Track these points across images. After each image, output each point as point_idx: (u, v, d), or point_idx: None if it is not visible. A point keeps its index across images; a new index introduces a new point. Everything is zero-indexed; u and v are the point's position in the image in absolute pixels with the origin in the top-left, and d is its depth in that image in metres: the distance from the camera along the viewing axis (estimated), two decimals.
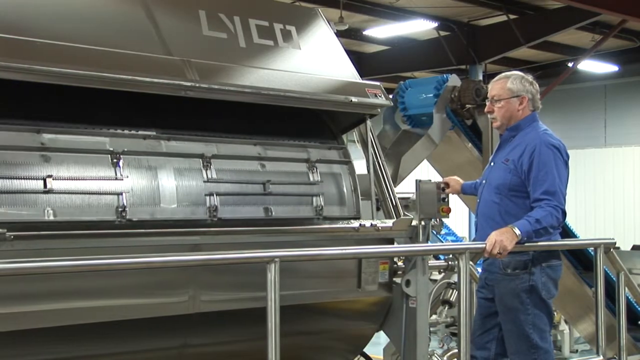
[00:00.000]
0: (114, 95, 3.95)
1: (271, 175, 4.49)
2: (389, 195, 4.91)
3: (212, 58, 4.39)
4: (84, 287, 3.71)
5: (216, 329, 4.24)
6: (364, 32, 16.61)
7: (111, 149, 3.98)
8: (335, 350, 5.05)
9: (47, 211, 3.70)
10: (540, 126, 4.74)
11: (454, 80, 6.77)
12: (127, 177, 3.97)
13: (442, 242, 10.58)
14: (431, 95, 6.73)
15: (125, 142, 4.06)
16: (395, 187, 5.11)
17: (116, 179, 3.94)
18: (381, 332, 5.09)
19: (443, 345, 6.74)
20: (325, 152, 4.87)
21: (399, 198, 4.97)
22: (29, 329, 3.58)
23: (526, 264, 4.59)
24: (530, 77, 4.80)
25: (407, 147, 6.64)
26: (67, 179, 3.81)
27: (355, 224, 4.60)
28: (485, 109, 4.89)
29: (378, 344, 5.75)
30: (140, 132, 4.16)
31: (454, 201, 5.20)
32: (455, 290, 5.90)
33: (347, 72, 5.01)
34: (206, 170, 4.25)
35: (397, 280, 4.79)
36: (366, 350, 5.25)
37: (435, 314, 6.03)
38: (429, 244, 4.96)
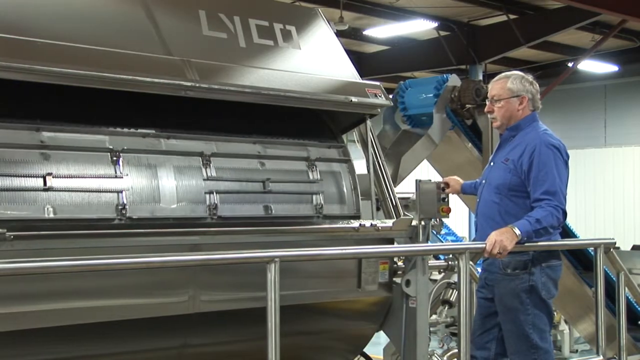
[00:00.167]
0: (113, 94, 3.95)
1: (271, 173, 4.50)
2: (389, 195, 4.91)
3: (212, 58, 4.40)
4: (83, 287, 3.71)
5: (216, 329, 4.24)
6: (364, 32, 16.61)
7: (111, 146, 3.99)
8: (335, 350, 5.05)
9: (47, 209, 3.71)
10: (540, 126, 4.74)
11: (454, 80, 6.77)
12: (127, 175, 3.98)
13: (442, 242, 10.58)
14: (431, 95, 6.73)
15: (125, 140, 4.07)
16: (395, 187, 5.11)
17: (116, 177, 3.94)
18: (381, 332, 5.09)
19: (443, 345, 6.74)
20: (325, 150, 4.87)
21: (399, 198, 4.97)
22: (29, 329, 3.58)
23: (526, 264, 4.59)
24: (530, 77, 4.80)
25: (407, 147, 6.63)
26: (67, 177, 3.81)
27: (355, 223, 4.60)
28: (485, 109, 4.89)
29: (378, 344, 5.75)
30: (139, 131, 4.17)
31: (454, 201, 5.20)
32: (455, 290, 5.90)
33: (347, 72, 5.01)
34: (206, 168, 4.25)
35: (397, 280, 4.79)
36: (366, 350, 5.25)
37: (435, 314, 6.03)
38: (429, 244, 4.96)
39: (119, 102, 4.10)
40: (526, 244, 4.52)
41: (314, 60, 4.90)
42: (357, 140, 5.05)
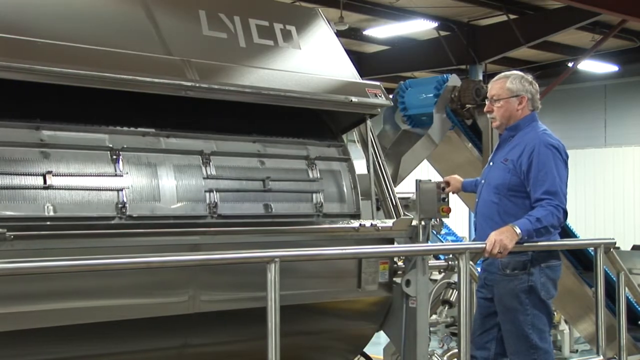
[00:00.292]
0: (113, 94, 3.96)
1: (271, 172, 4.51)
2: (389, 195, 4.91)
3: (212, 58, 4.40)
4: (83, 287, 3.71)
5: (216, 329, 4.24)
6: (364, 32, 16.61)
7: (110, 145, 4.00)
8: (335, 350, 5.05)
9: (47, 207, 3.71)
10: (540, 126, 4.73)
11: (454, 80, 6.77)
12: (127, 173, 3.99)
13: (442, 242, 10.58)
14: (431, 95, 6.73)
15: (125, 139, 4.08)
16: (395, 187, 5.11)
17: (116, 175, 3.95)
18: (381, 332, 5.09)
19: (443, 345, 6.74)
20: (325, 149, 4.88)
21: (399, 198, 4.96)
22: (29, 329, 3.58)
23: (525, 265, 4.59)
24: (529, 77, 4.80)
25: (407, 147, 6.63)
26: (67, 175, 3.82)
27: (355, 223, 4.60)
28: (485, 109, 4.89)
29: (378, 344, 5.75)
30: (139, 129, 4.18)
31: (454, 201, 5.20)
32: (455, 290, 5.90)
33: (347, 72, 5.02)
34: (205, 167, 4.26)
35: (397, 280, 4.79)
36: (366, 350, 5.25)
37: (435, 314, 6.03)
38: (429, 244, 4.96)
39: (118, 101, 4.10)
40: (526, 244, 4.52)
41: (314, 60, 4.90)
42: (357, 140, 5.05)
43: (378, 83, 5.04)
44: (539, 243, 4.59)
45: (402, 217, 4.82)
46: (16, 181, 3.67)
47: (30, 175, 3.71)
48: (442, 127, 6.76)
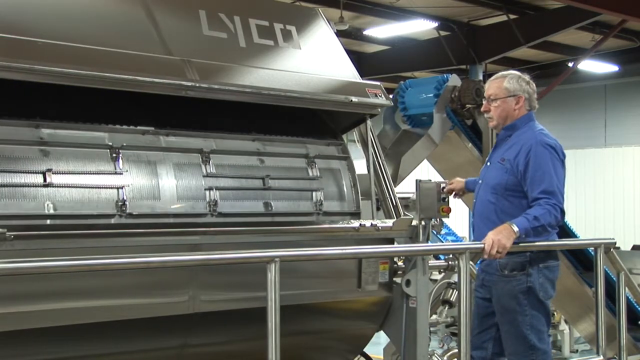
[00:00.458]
0: (113, 93, 3.96)
1: (270, 170, 4.52)
2: (389, 195, 4.91)
3: (212, 58, 4.40)
4: (83, 287, 3.71)
5: (216, 329, 4.24)
6: (364, 32, 16.61)
7: (110, 143, 4.01)
8: (335, 350, 5.05)
9: (47, 205, 3.72)
10: (536, 126, 4.73)
11: (454, 80, 6.77)
12: (127, 171, 3.99)
13: (442, 242, 10.58)
14: (431, 95, 6.73)
15: (124, 137, 4.09)
16: (395, 187, 5.11)
17: (115, 173, 3.95)
18: (381, 332, 5.09)
19: (443, 345, 6.74)
20: (324, 148, 4.88)
21: (399, 198, 4.97)
22: (29, 329, 3.58)
23: (524, 265, 4.59)
24: (527, 77, 4.80)
25: (407, 147, 6.63)
26: (67, 173, 3.83)
27: (355, 223, 4.60)
28: (482, 108, 4.89)
29: (378, 344, 5.75)
30: (139, 128, 4.19)
31: (454, 201, 5.19)
32: (455, 290, 5.90)
33: (347, 72, 5.02)
34: (205, 165, 4.27)
35: (397, 280, 4.79)
36: (366, 350, 5.25)
37: (436, 314, 6.03)
38: (429, 244, 4.96)
39: (118, 100, 4.10)
40: (526, 244, 4.52)
41: (314, 60, 4.90)
42: (357, 140, 5.05)
43: (378, 83, 5.04)
44: (539, 243, 4.59)
45: (402, 217, 4.82)
46: (16, 179, 3.68)
47: (30, 173, 3.72)
48: (442, 127, 6.76)
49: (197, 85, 4.15)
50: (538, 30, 15.62)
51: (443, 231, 11.40)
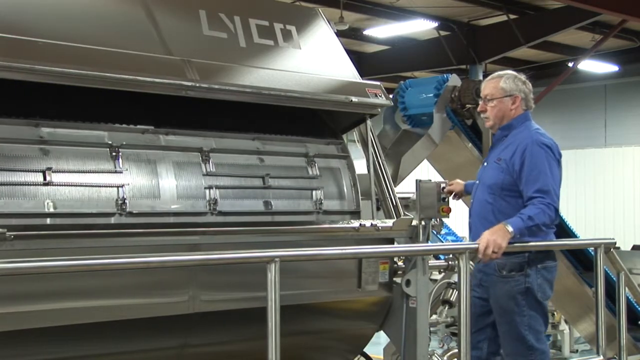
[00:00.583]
0: (113, 93, 3.96)
1: (270, 169, 4.52)
2: (389, 195, 4.91)
3: (212, 58, 4.40)
4: (83, 287, 3.71)
5: (216, 329, 4.24)
6: (364, 32, 16.61)
7: (110, 142, 4.01)
8: (335, 350, 5.05)
9: (47, 203, 3.72)
10: (533, 125, 4.74)
11: (454, 80, 6.76)
12: (127, 170, 4.00)
13: (442, 242, 10.58)
14: (431, 95, 6.72)
15: (124, 136, 4.10)
16: (395, 187, 5.11)
17: (115, 171, 3.96)
18: (381, 332, 5.09)
19: (443, 345, 6.74)
20: (324, 147, 4.88)
21: (399, 198, 4.97)
22: (29, 329, 3.58)
23: (522, 266, 4.59)
24: (523, 77, 4.80)
25: (407, 147, 6.63)
26: (67, 172, 3.83)
27: (355, 223, 4.60)
28: (478, 108, 4.90)
29: (378, 344, 5.75)
30: (138, 127, 4.19)
31: (454, 201, 5.20)
32: (455, 290, 5.90)
33: (348, 71, 5.02)
34: (205, 163, 4.27)
35: (397, 280, 4.79)
36: (366, 350, 5.25)
37: (436, 313, 6.03)
38: (429, 244, 4.96)
39: (117, 100, 4.10)
40: (526, 244, 4.52)
41: (314, 60, 4.90)
42: (357, 140, 5.05)
43: (378, 83, 5.04)
44: (539, 243, 4.59)
45: (402, 217, 4.82)
46: (16, 178, 3.68)
47: (30, 171, 3.73)
48: (442, 127, 6.75)
49: (197, 85, 4.15)
50: (538, 30, 15.63)
51: (443, 231, 11.39)
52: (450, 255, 5.17)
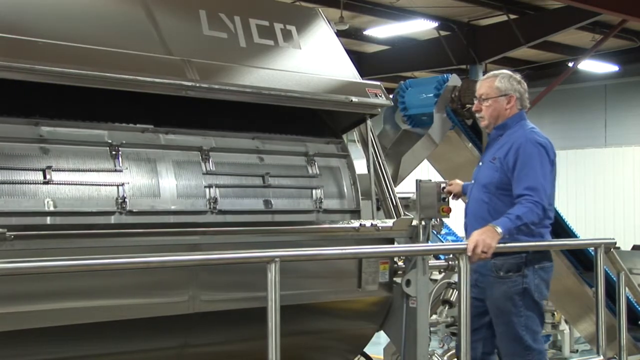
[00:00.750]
0: (112, 93, 3.96)
1: (270, 168, 4.53)
2: (389, 195, 4.91)
3: (212, 58, 4.40)
4: (83, 287, 3.71)
5: (216, 329, 4.24)
6: (364, 32, 16.61)
7: (110, 141, 4.01)
8: (335, 350, 5.05)
9: (47, 202, 3.72)
10: (527, 124, 4.74)
11: (454, 80, 6.76)
12: (127, 169, 4.00)
13: (442, 242, 10.58)
14: (431, 95, 6.72)
15: (124, 135, 4.10)
16: (395, 187, 5.11)
17: (115, 170, 3.96)
18: (381, 332, 5.09)
19: (443, 345, 6.75)
20: (323, 146, 4.89)
21: (399, 198, 4.97)
22: (29, 329, 3.58)
23: (519, 267, 4.59)
24: (518, 76, 4.80)
25: (407, 147, 6.63)
26: (67, 171, 3.84)
27: (355, 223, 4.60)
28: (473, 108, 4.90)
29: (378, 344, 5.75)
30: (138, 125, 4.19)
31: (455, 201, 5.20)
32: (455, 290, 5.91)
33: (348, 71, 5.02)
34: (205, 162, 4.28)
35: (398, 280, 4.79)
36: (366, 350, 5.25)
37: (436, 313, 6.04)
38: (429, 243, 4.96)
39: (117, 99, 4.10)
40: (525, 244, 4.52)
41: (314, 60, 4.90)
42: (358, 140, 5.05)
43: (378, 83, 5.04)
44: (538, 243, 4.59)
45: (402, 217, 4.82)
46: (16, 176, 3.69)
47: (31, 170, 3.73)
48: (443, 127, 6.75)
49: (197, 85, 4.15)
50: (538, 30, 15.63)
51: (443, 231, 11.38)
52: (450, 255, 5.17)
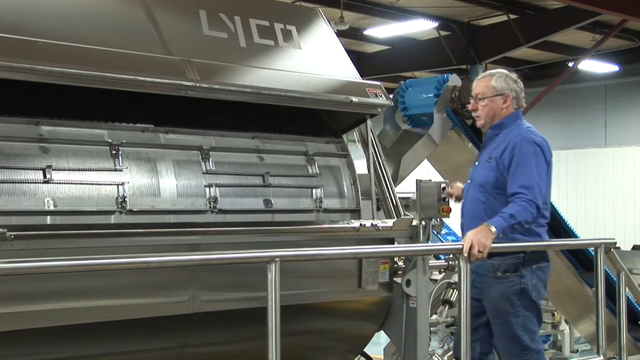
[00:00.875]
0: (112, 93, 3.96)
1: (270, 167, 4.54)
2: (390, 195, 4.91)
3: (212, 58, 4.40)
4: (83, 287, 3.71)
5: (216, 329, 4.24)
6: (364, 32, 16.60)
7: (110, 140, 4.02)
8: (335, 350, 5.05)
9: (47, 202, 3.72)
10: (524, 124, 4.74)
11: (454, 80, 6.76)
12: (127, 168, 4.00)
13: (443, 242, 10.58)
14: (431, 95, 6.72)
15: (124, 135, 4.11)
16: (395, 187, 5.11)
17: (115, 170, 3.96)
18: (381, 332, 5.09)
19: (443, 345, 6.75)
20: (323, 145, 4.89)
21: (399, 198, 4.97)
22: (29, 329, 3.58)
23: (517, 267, 4.59)
24: (514, 75, 4.81)
25: (408, 147, 6.63)
26: (67, 170, 3.84)
27: (355, 223, 4.60)
28: (469, 107, 4.91)
29: (378, 344, 5.75)
30: (138, 125, 4.19)
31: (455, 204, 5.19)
32: (455, 290, 5.91)
33: (348, 71, 5.02)
34: (205, 162, 4.28)
35: (398, 280, 4.79)
36: (366, 350, 5.25)
37: (436, 313, 6.04)
38: (429, 243, 4.96)
39: (117, 99, 4.11)
40: (524, 244, 4.52)
41: (314, 60, 4.90)
42: (358, 140, 5.05)
43: (378, 83, 5.04)
44: (537, 243, 4.59)
45: (402, 217, 4.82)
46: (16, 176, 3.69)
47: (31, 170, 3.74)
48: (443, 127, 6.75)
49: (198, 85, 4.15)
50: (538, 30, 15.62)
51: (443, 231, 11.38)
52: (450, 255, 5.17)
